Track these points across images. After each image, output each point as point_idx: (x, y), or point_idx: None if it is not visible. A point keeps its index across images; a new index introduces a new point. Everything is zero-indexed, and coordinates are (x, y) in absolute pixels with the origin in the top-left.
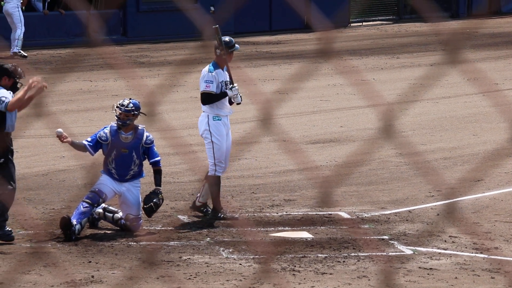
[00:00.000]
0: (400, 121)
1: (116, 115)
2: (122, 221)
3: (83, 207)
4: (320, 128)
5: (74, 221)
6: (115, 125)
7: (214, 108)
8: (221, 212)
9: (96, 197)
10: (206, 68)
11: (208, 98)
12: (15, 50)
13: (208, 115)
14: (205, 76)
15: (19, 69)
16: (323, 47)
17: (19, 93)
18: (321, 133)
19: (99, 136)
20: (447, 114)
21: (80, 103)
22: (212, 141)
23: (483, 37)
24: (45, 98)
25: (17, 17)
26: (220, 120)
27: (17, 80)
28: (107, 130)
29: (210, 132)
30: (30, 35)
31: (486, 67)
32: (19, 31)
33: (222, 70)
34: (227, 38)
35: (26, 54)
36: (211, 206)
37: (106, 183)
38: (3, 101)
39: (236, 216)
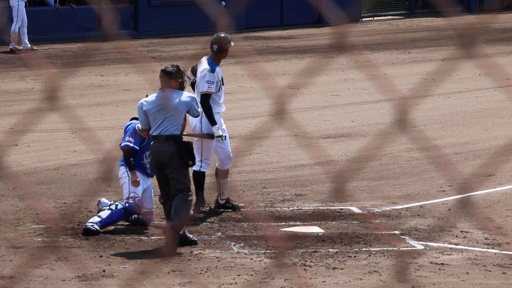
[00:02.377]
0: (412, 116)
1: None
2: (134, 216)
3: (117, 217)
4: (331, 123)
5: (97, 228)
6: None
7: None
8: (204, 206)
9: (135, 210)
10: (206, 65)
11: (207, 99)
12: (11, 46)
13: (201, 111)
14: (206, 75)
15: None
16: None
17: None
18: (332, 128)
19: (140, 130)
20: (459, 109)
21: (91, 97)
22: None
23: (495, 32)
24: (57, 93)
25: (15, 11)
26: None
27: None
28: (138, 125)
29: (202, 130)
30: (42, 29)
31: (498, 62)
32: (13, 25)
33: (219, 66)
34: (223, 35)
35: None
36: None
37: (142, 186)
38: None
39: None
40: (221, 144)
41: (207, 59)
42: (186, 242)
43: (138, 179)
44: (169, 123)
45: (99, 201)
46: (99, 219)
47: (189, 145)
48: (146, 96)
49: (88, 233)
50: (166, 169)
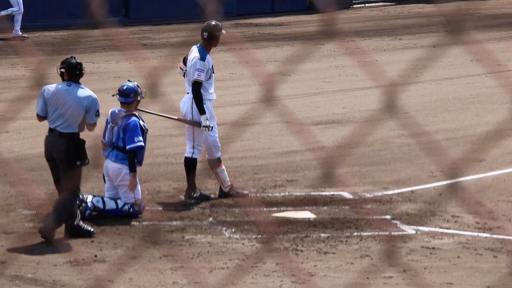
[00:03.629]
0: (402, 102)
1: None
2: (128, 206)
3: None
4: (322, 109)
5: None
6: (134, 113)
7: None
8: (195, 192)
9: (136, 215)
10: (196, 53)
11: (198, 87)
12: (14, 34)
13: (192, 97)
14: (197, 63)
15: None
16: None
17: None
18: (323, 115)
19: (146, 128)
20: (450, 95)
21: (82, 84)
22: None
23: (486, 18)
24: (48, 80)
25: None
26: (205, 104)
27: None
28: (140, 121)
29: (193, 116)
30: (33, 16)
31: (489, 48)
32: (12, 8)
33: (209, 54)
34: (213, 22)
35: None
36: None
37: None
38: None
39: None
40: (210, 132)
41: (198, 47)
42: (82, 233)
43: (137, 183)
44: (64, 119)
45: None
46: (102, 207)
47: (81, 144)
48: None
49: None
50: (58, 164)
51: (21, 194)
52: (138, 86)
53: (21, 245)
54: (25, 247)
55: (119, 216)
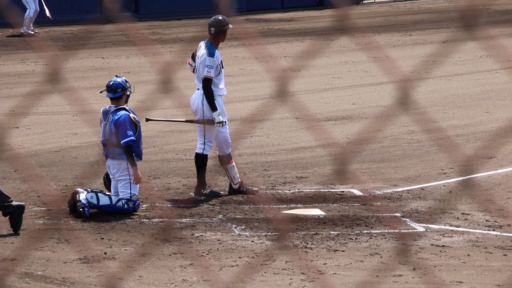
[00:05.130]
0: (413, 98)
1: (127, 95)
2: (122, 201)
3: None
4: (332, 105)
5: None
6: (123, 107)
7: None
8: (205, 188)
9: (131, 212)
10: (205, 49)
11: (208, 84)
12: (22, 30)
13: (203, 93)
14: (206, 60)
15: None
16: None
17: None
18: (333, 111)
19: (137, 120)
20: (460, 91)
21: (92, 80)
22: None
23: (496, 14)
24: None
25: None
26: (216, 99)
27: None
28: (130, 114)
29: (203, 112)
30: (43, 12)
31: (500, 44)
32: (28, 11)
33: (217, 49)
34: (220, 17)
35: (33, 32)
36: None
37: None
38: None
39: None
40: (220, 128)
41: (205, 43)
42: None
43: (141, 176)
44: None
45: (77, 191)
46: (96, 203)
47: None
48: None
49: (79, 215)
50: None
51: (32, 190)
52: (126, 81)
53: (31, 242)
54: (35, 244)
55: (113, 212)
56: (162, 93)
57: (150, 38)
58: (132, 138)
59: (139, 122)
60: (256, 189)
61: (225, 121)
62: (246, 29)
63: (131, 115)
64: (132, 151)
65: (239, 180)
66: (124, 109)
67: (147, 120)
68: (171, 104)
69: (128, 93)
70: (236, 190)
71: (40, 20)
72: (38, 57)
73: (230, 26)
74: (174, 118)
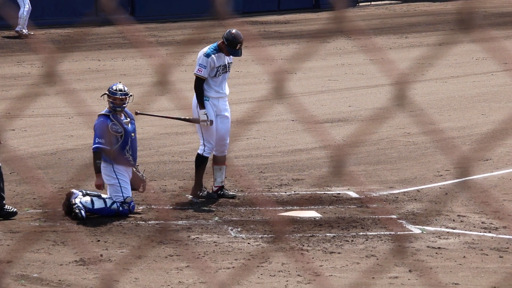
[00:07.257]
0: (409, 101)
1: (110, 102)
2: (117, 204)
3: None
4: (328, 107)
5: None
6: (107, 113)
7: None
8: (202, 190)
9: (125, 214)
10: (205, 49)
11: (199, 82)
12: (17, 28)
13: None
14: (200, 58)
15: None
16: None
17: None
18: (329, 113)
19: (114, 131)
20: (456, 94)
21: (88, 82)
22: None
23: (492, 17)
24: (54, 77)
25: None
26: (208, 100)
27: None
28: (109, 123)
29: (198, 112)
30: (39, 14)
31: (496, 46)
32: (22, 10)
33: (221, 53)
34: (232, 34)
35: (27, 33)
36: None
37: (127, 179)
38: None
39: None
40: (219, 127)
41: (214, 45)
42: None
43: (101, 183)
44: None
45: (72, 192)
46: (90, 207)
47: None
48: None
49: (74, 217)
50: None
51: (27, 192)
52: (112, 87)
53: (27, 244)
54: (31, 246)
55: (109, 215)
56: (158, 95)
57: (147, 40)
58: (94, 146)
59: (120, 132)
60: (233, 194)
61: (211, 121)
62: (243, 31)
63: (109, 123)
64: (97, 157)
65: (220, 184)
66: (104, 115)
67: (136, 113)
68: (168, 106)
69: (110, 99)
70: (210, 193)
71: (36, 22)
72: (34, 59)
73: (236, 50)
74: (165, 115)
